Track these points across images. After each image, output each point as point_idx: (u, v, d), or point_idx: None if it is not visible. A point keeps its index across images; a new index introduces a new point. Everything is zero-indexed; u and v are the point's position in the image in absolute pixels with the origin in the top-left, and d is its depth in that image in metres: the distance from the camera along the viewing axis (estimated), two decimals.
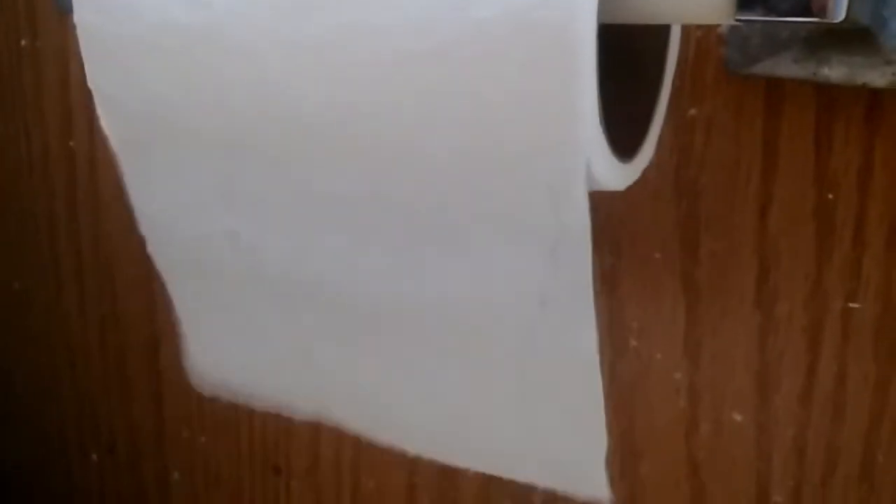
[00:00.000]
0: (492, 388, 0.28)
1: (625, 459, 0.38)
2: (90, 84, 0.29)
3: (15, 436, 0.65)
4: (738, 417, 0.35)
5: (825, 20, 0.19)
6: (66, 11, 0.30)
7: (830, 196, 0.31)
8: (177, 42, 0.25)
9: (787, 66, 0.29)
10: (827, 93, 0.30)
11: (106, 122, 0.29)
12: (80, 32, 0.28)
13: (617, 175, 0.23)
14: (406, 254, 0.25)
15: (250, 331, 0.32)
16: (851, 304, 0.32)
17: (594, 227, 0.35)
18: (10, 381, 0.63)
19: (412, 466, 0.45)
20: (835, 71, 0.29)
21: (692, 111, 0.32)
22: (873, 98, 0.29)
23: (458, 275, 0.25)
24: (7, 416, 0.64)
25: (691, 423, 0.36)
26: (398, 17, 0.21)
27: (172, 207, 0.30)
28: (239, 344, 0.33)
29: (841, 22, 0.19)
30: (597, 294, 0.23)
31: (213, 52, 0.25)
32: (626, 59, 0.26)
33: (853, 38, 0.28)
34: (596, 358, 0.24)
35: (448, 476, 0.44)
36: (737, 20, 0.20)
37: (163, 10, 0.25)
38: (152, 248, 0.32)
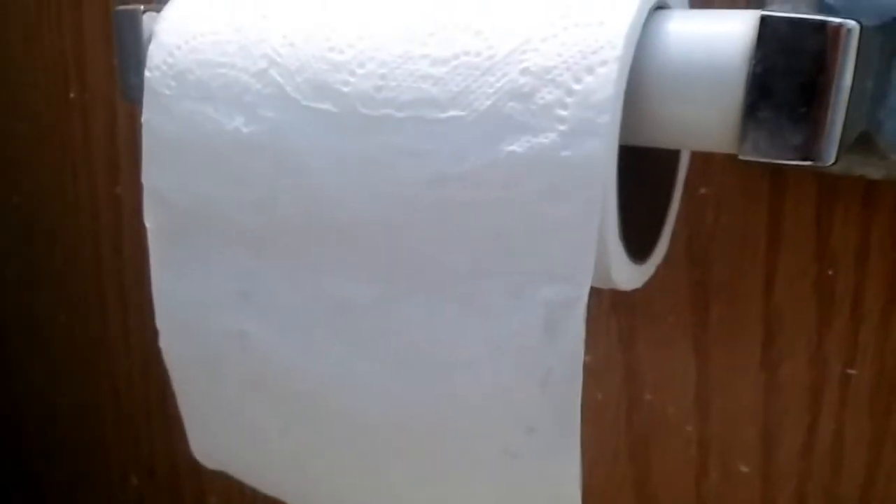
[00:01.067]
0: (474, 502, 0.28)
1: (640, 502, 0.41)
2: (143, 179, 0.32)
3: (58, 458, 0.68)
4: (744, 468, 0.38)
5: (818, 163, 0.22)
6: (134, 102, 0.33)
7: (830, 272, 0.34)
8: (232, 149, 0.28)
9: None
10: (827, 180, 0.33)
11: (149, 215, 0.32)
12: (145, 131, 0.31)
13: (634, 277, 0.26)
14: (401, 365, 0.27)
15: (246, 432, 0.34)
16: (849, 370, 0.34)
17: (613, 291, 0.37)
18: (56, 407, 0.66)
19: None
20: (835, 165, 0.31)
21: (702, 190, 0.35)
22: (870, 187, 0.32)
23: (450, 395, 0.26)
24: (51, 439, 0.68)
25: (701, 471, 0.39)
26: (437, 144, 0.24)
27: (191, 302, 0.32)
28: (236, 443, 0.35)
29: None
30: (582, 431, 0.24)
31: (264, 159, 0.28)
32: (643, 162, 0.29)
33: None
34: (577, 493, 0.25)
35: None
36: (741, 157, 0.22)
37: (227, 120, 0.28)
38: (164, 342, 0.34)
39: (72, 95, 0.56)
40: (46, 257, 0.62)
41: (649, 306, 0.38)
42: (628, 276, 0.25)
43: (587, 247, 0.22)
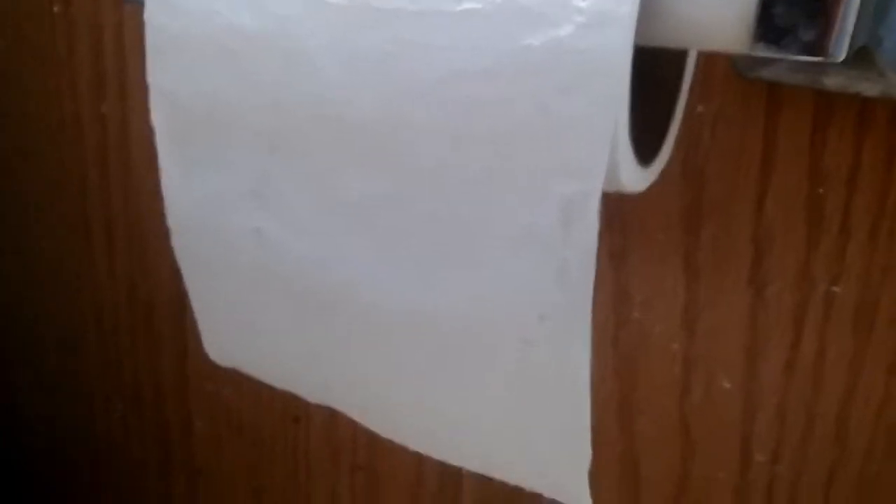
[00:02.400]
0: (486, 397, 0.29)
1: (623, 417, 0.42)
2: (148, 77, 0.31)
3: (42, 386, 0.68)
4: (727, 384, 0.39)
5: (829, 59, 0.22)
6: (134, 2, 0.32)
7: (821, 190, 0.34)
8: (240, 45, 0.28)
9: (788, 74, 0.32)
10: (824, 98, 0.33)
11: (157, 116, 0.31)
12: (147, 29, 0.30)
13: (640, 179, 0.26)
14: (421, 263, 0.27)
15: (262, 329, 0.34)
16: (834, 288, 0.35)
17: (606, 209, 0.38)
18: (40, 334, 0.66)
19: None
20: (832, 80, 0.32)
21: (700, 108, 0.35)
22: (865, 106, 0.33)
23: (466, 285, 0.26)
24: (35, 368, 0.68)
25: (685, 388, 0.40)
26: (454, 37, 0.24)
27: (203, 201, 0.31)
28: (250, 339, 0.35)
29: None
30: (596, 290, 0.25)
31: (273, 56, 0.27)
32: (649, 69, 0.29)
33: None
34: (587, 376, 0.26)
35: None
36: (752, 54, 0.23)
37: (232, 15, 0.28)
38: (176, 240, 0.34)
39: (55, 9, 0.55)
40: (30, 182, 0.61)
41: (642, 224, 0.39)
42: (634, 177, 0.26)
43: (602, 141, 0.22)
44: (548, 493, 0.30)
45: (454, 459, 0.33)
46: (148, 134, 0.54)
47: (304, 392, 0.36)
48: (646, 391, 0.41)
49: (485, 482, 0.48)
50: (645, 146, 0.27)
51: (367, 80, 0.25)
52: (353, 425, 0.52)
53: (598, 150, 0.23)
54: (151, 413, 0.61)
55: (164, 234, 0.55)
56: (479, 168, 0.25)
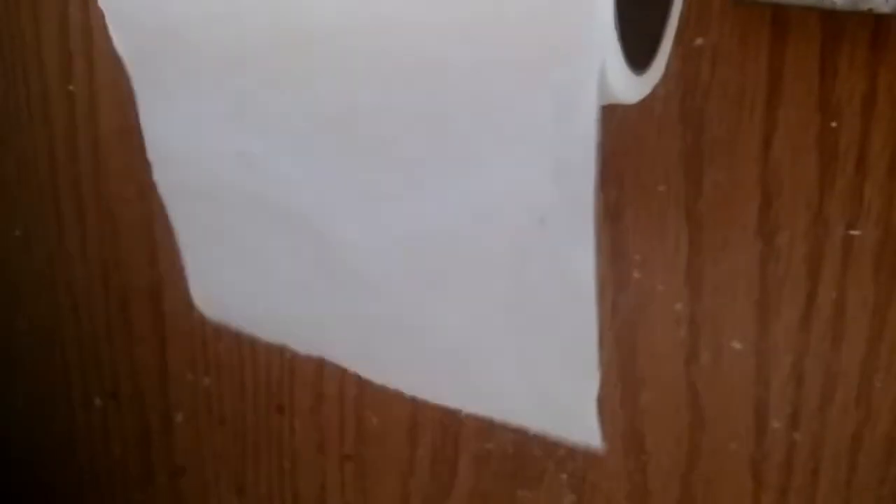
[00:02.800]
0: (486, 321, 0.27)
1: (626, 389, 0.39)
2: (101, 2, 0.29)
3: (17, 381, 0.65)
4: (737, 346, 0.36)
5: None
6: None
7: (834, 124, 0.31)
8: None
9: None
10: (832, 19, 0.30)
11: (118, 40, 0.29)
12: None
13: (630, 85, 0.23)
14: (409, 169, 0.25)
15: (252, 264, 0.32)
16: (852, 231, 0.32)
17: (599, 162, 0.35)
18: (13, 326, 0.63)
19: (416, 403, 0.46)
20: None
21: (698, 41, 0.33)
22: (878, 24, 0.30)
23: (459, 191, 0.25)
24: (9, 361, 0.65)
25: (691, 352, 0.37)
26: None
27: (182, 127, 0.29)
28: (240, 278, 0.33)
29: None
30: (599, 221, 0.23)
31: None
32: None
33: None
34: (593, 284, 0.24)
35: (451, 413, 0.45)
36: None
37: None
38: (158, 174, 0.32)
39: None
40: None
41: (638, 177, 0.36)
42: (624, 82, 0.23)
43: (587, 21, 0.20)
44: (553, 429, 0.29)
45: (452, 398, 0.31)
46: (117, 112, 0.51)
47: (295, 339, 0.34)
48: (649, 358, 0.38)
49: (478, 472, 0.45)
50: (638, 55, 0.24)
51: None
52: (339, 412, 0.49)
53: (586, 33, 0.20)
54: (131, 406, 0.58)
55: (137, 218, 0.53)
56: (463, 63, 0.22)
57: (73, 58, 0.51)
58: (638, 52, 0.24)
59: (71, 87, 0.52)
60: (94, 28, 0.50)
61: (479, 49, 0.22)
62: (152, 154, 0.31)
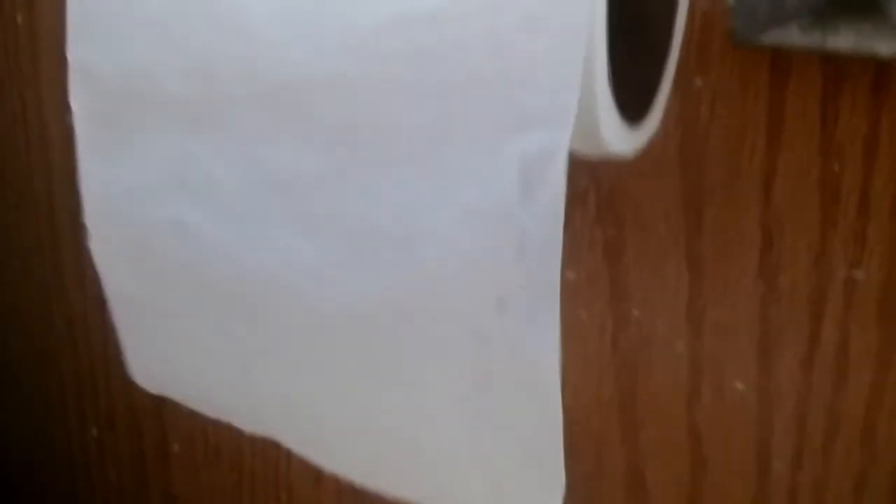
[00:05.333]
0: (438, 410, 0.25)
1: (626, 428, 0.38)
2: (68, 52, 0.29)
3: (15, 410, 0.65)
4: (739, 386, 0.35)
5: None
6: None
7: (836, 167, 0.31)
8: (161, 8, 0.25)
9: (794, 36, 0.29)
10: (834, 63, 0.30)
11: (75, 94, 0.29)
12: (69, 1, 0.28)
13: (624, 139, 0.23)
14: (359, 245, 0.24)
15: (187, 340, 0.30)
16: (855, 273, 0.32)
17: (598, 200, 0.35)
18: (11, 356, 0.63)
19: None
20: (842, 40, 0.29)
21: (698, 82, 0.32)
22: (880, 68, 0.29)
23: (414, 273, 0.23)
24: (7, 390, 0.64)
25: (693, 392, 0.36)
26: None
27: (123, 193, 0.28)
28: (177, 357, 0.32)
29: None
30: (559, 305, 0.21)
31: (201, 15, 0.25)
32: (635, 24, 0.26)
33: (861, 6, 0.28)
34: (557, 377, 0.22)
35: None
36: None
37: None
38: (94, 241, 0.31)
39: (19, 20, 0.52)
40: None
41: (638, 214, 0.35)
42: (619, 136, 0.22)
43: (568, 81, 0.19)
44: None
45: (406, 493, 0.28)
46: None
47: (238, 419, 0.32)
48: (650, 397, 0.37)
49: None
50: (632, 102, 0.24)
51: (300, 33, 0.22)
52: None
53: (564, 94, 0.19)
54: (127, 437, 0.58)
55: None
56: (425, 127, 0.21)
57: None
58: (633, 104, 0.24)
59: (68, 120, 0.52)
60: None
61: (443, 110, 0.21)
62: (88, 219, 0.30)
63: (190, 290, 0.29)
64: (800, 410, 0.35)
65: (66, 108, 0.52)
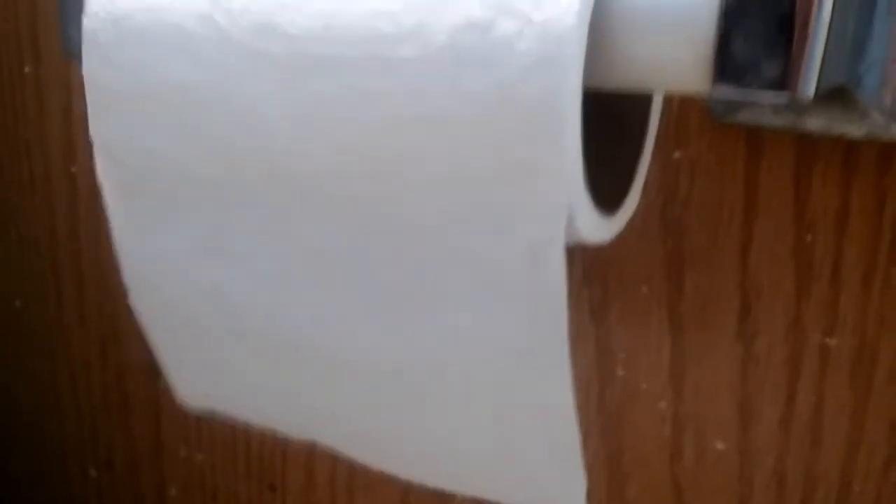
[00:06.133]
0: (471, 433, 0.28)
1: (612, 483, 0.39)
2: (91, 132, 0.30)
3: (15, 450, 0.66)
4: (720, 445, 0.36)
5: (797, 97, 0.20)
6: (72, 58, 0.31)
7: (809, 237, 0.32)
8: (183, 98, 0.27)
9: (767, 116, 0.31)
10: (805, 141, 0.31)
11: (103, 171, 0.30)
12: (87, 83, 0.29)
13: (601, 230, 0.24)
14: (386, 310, 0.26)
15: (230, 374, 0.33)
16: (828, 340, 0.33)
17: (584, 262, 0.36)
18: (11, 396, 0.64)
19: (406, 486, 0.46)
20: (813, 122, 0.30)
21: (677, 154, 0.34)
22: (850, 148, 0.31)
23: (435, 332, 0.26)
24: (7, 430, 0.65)
25: (676, 449, 0.37)
26: (393, 83, 0.22)
27: (158, 259, 0.30)
28: (220, 382, 0.34)
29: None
30: (570, 331, 0.24)
31: (217, 109, 0.26)
32: (610, 114, 0.27)
33: (831, 91, 0.29)
34: (572, 412, 0.25)
35: (441, 497, 0.45)
36: (713, 96, 0.21)
37: (172, 68, 0.26)
38: (133, 297, 0.32)
39: (26, 70, 0.54)
40: (0, 240, 0.60)
41: (622, 277, 0.37)
42: (594, 227, 0.24)
43: (556, 184, 0.21)
44: None
45: (447, 486, 0.32)
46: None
47: (284, 429, 0.35)
48: (635, 453, 0.38)
49: None
50: (609, 193, 0.25)
51: (313, 131, 0.24)
52: (330, 493, 0.50)
53: (554, 195, 0.21)
54: (125, 479, 0.59)
55: None
56: (437, 214, 0.23)
57: (75, 142, 0.53)
58: (609, 193, 0.25)
59: (73, 169, 0.54)
60: None
61: (452, 203, 0.23)
62: (127, 279, 0.32)
63: (228, 338, 0.30)
64: (779, 469, 0.35)
65: (70, 157, 0.53)
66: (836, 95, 0.29)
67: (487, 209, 0.22)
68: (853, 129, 0.30)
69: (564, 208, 0.21)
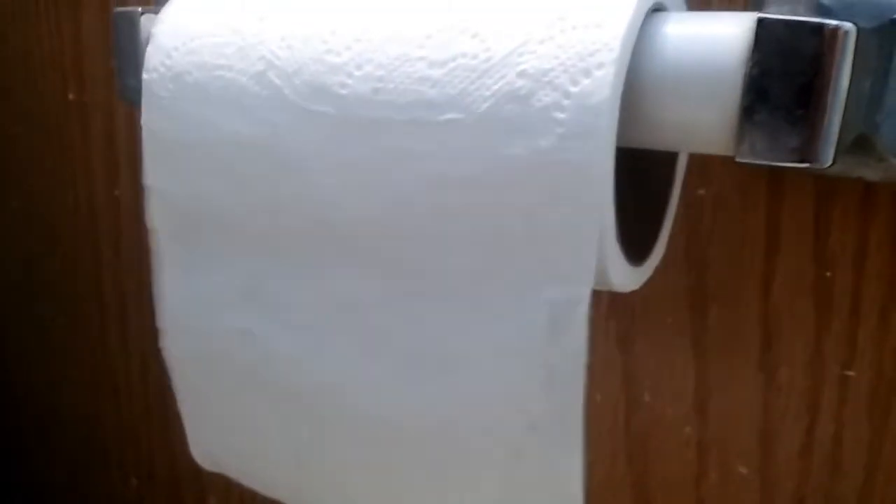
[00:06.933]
0: (478, 500, 0.28)
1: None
2: (144, 180, 0.32)
3: (59, 460, 0.68)
4: (743, 470, 0.38)
5: (815, 165, 0.22)
6: (131, 103, 0.33)
7: (828, 274, 0.34)
8: (233, 152, 0.28)
9: None
10: (825, 182, 0.33)
11: (153, 215, 0.32)
12: (144, 132, 0.31)
13: (631, 279, 0.26)
14: (406, 365, 0.27)
15: (247, 431, 0.34)
16: (847, 372, 0.34)
17: (611, 294, 0.37)
18: (56, 409, 0.66)
19: None
20: (832, 167, 0.31)
21: (701, 191, 0.35)
22: (868, 189, 0.32)
23: (455, 393, 0.26)
24: (52, 441, 0.68)
25: (700, 473, 0.39)
26: (435, 146, 0.24)
27: (195, 302, 0.32)
28: (237, 443, 0.35)
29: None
30: (588, 429, 0.24)
31: (265, 164, 0.28)
32: (640, 166, 0.29)
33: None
34: (580, 490, 0.25)
35: None
36: (738, 159, 0.22)
37: (226, 122, 0.28)
38: (165, 341, 0.34)
39: (70, 97, 0.56)
40: (46, 260, 0.62)
41: (648, 309, 0.38)
42: (625, 278, 0.25)
43: (588, 248, 0.22)
44: None
45: None
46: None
47: (288, 498, 0.35)
48: (660, 476, 0.40)
49: None
50: (638, 242, 0.27)
51: (356, 188, 0.26)
52: None
53: (585, 258, 0.23)
54: (166, 489, 0.61)
55: None
56: (465, 272, 0.25)
57: (118, 166, 0.55)
58: (636, 241, 0.27)
59: (117, 192, 0.56)
60: (139, 138, 0.53)
61: (478, 259, 0.24)
62: (161, 322, 0.34)
63: (252, 388, 0.32)
64: (799, 494, 0.37)
65: (113, 178, 0.55)
66: (854, 141, 0.31)
67: (517, 269, 0.23)
68: (870, 173, 0.31)
69: (591, 272, 0.23)
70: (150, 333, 0.58)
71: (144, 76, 0.30)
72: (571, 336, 0.23)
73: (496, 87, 0.23)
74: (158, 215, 0.32)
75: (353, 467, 0.31)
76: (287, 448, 0.32)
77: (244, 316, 0.30)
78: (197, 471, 0.60)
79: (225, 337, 0.31)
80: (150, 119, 0.31)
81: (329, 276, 0.28)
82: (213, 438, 0.36)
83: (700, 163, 0.35)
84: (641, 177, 0.29)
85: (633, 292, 0.38)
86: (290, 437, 0.32)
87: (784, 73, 0.21)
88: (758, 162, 0.22)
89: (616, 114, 0.22)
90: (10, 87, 0.59)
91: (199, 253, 0.31)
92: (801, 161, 0.21)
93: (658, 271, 0.37)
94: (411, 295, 0.26)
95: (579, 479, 0.25)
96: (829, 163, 0.22)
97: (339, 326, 0.28)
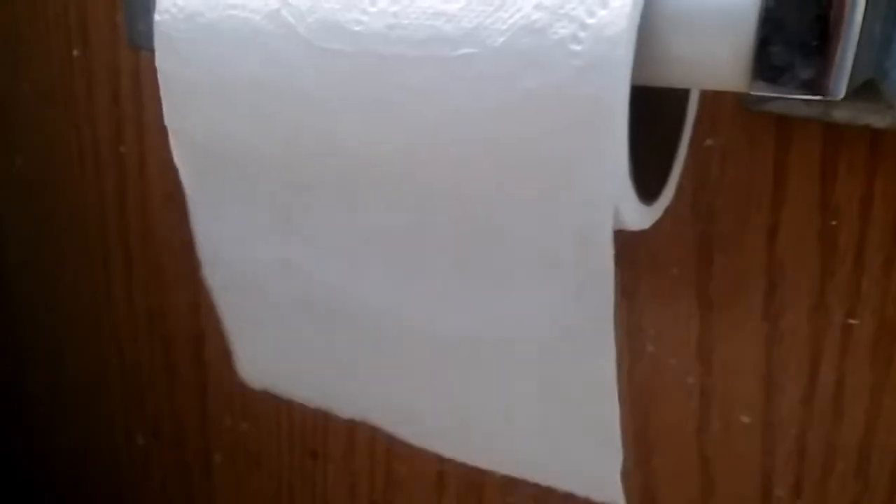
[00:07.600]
0: (516, 403, 0.30)
1: (640, 453, 0.41)
2: (166, 121, 0.32)
3: (64, 419, 0.69)
4: (745, 419, 0.38)
5: (828, 97, 0.22)
6: (141, 49, 0.33)
7: (833, 222, 0.34)
8: (251, 91, 0.29)
9: (797, 107, 0.32)
10: (833, 130, 0.33)
11: (178, 157, 0.32)
12: (160, 76, 0.31)
13: (642, 217, 0.26)
14: (444, 286, 0.28)
15: (294, 348, 0.35)
16: (850, 320, 0.35)
17: (617, 244, 0.38)
18: (61, 367, 0.67)
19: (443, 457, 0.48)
20: (840, 113, 0.32)
21: (709, 141, 0.35)
22: (875, 137, 0.32)
23: (487, 308, 0.28)
24: (57, 400, 0.68)
25: (702, 422, 0.39)
26: (452, 83, 0.24)
27: (232, 235, 0.33)
28: (283, 357, 0.36)
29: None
30: (616, 309, 0.26)
31: (284, 102, 0.28)
32: (650, 105, 0.29)
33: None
34: (614, 386, 0.27)
35: (476, 468, 0.48)
36: (751, 92, 0.23)
37: (242, 61, 0.28)
38: (206, 270, 0.35)
39: (75, 53, 0.56)
40: (50, 217, 0.63)
41: (653, 259, 0.38)
42: (636, 215, 0.26)
43: (606, 175, 0.23)
44: (580, 491, 0.32)
45: (487, 465, 0.34)
46: (165, 173, 0.55)
47: (336, 409, 0.37)
48: (663, 425, 0.41)
49: None
50: (650, 182, 0.27)
51: (378, 122, 0.26)
52: (370, 460, 0.52)
53: (605, 184, 0.23)
54: (171, 447, 0.62)
55: (181, 270, 0.56)
56: (490, 201, 0.25)
57: (123, 122, 0.55)
58: (649, 182, 0.27)
59: (122, 149, 0.56)
60: (143, 94, 0.53)
61: (508, 191, 0.25)
62: (202, 254, 0.34)
63: (295, 311, 0.33)
64: (800, 442, 0.37)
65: (118, 134, 0.55)
66: (862, 88, 0.31)
67: (541, 196, 0.24)
68: (878, 120, 0.31)
69: (612, 197, 0.23)
70: (155, 290, 0.58)
71: (156, 17, 0.30)
72: (599, 255, 0.24)
73: (512, 20, 0.23)
74: (183, 155, 0.32)
75: (395, 375, 0.32)
76: (331, 364, 0.34)
77: (280, 246, 0.31)
78: (202, 428, 0.60)
79: (264, 266, 0.32)
80: (165, 61, 0.31)
81: (358, 206, 0.28)
82: (258, 357, 0.37)
83: (709, 114, 0.35)
84: (653, 120, 0.29)
85: (638, 243, 0.39)
86: (334, 354, 0.33)
87: (800, 5, 0.21)
88: (772, 94, 0.22)
89: (633, 46, 0.22)
90: (14, 43, 0.59)
91: (227, 189, 0.31)
92: (815, 93, 0.22)
93: (665, 222, 0.38)
94: (439, 222, 0.27)
95: (612, 379, 0.27)
96: (842, 95, 0.22)
97: (375, 250, 0.29)
